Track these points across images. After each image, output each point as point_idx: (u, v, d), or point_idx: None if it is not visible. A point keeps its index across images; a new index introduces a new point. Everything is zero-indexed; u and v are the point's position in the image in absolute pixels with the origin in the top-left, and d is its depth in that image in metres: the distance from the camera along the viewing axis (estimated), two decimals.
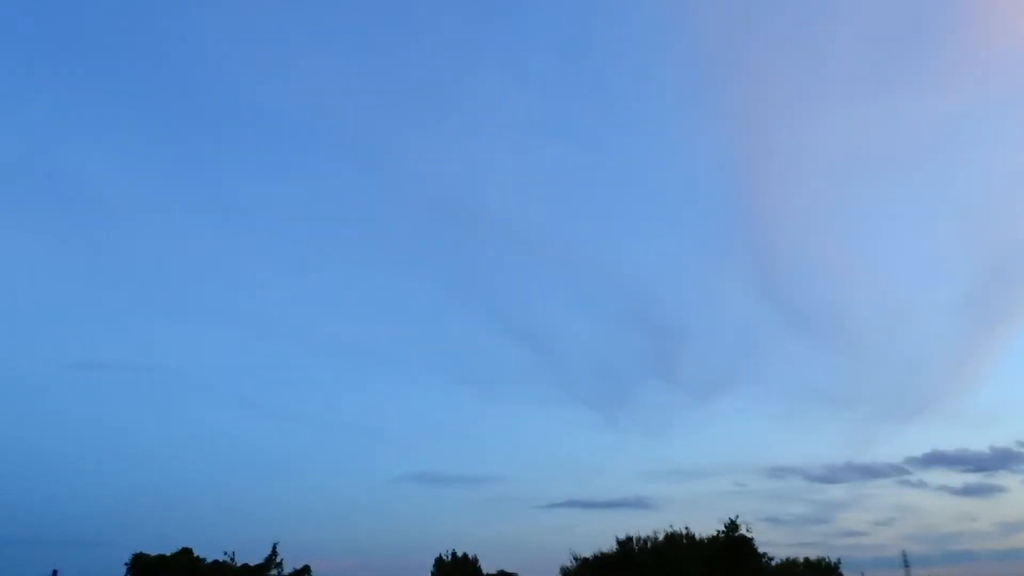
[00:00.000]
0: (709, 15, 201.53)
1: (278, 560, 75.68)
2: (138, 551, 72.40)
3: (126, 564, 71.65)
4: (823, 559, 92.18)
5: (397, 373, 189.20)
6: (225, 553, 74.89)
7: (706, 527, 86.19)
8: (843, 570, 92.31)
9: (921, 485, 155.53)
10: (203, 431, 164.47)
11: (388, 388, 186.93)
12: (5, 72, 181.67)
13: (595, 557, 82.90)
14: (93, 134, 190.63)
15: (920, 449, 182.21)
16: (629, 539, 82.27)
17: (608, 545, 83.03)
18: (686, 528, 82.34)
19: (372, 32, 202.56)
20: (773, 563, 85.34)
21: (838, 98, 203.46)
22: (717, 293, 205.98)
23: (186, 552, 73.34)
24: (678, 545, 79.88)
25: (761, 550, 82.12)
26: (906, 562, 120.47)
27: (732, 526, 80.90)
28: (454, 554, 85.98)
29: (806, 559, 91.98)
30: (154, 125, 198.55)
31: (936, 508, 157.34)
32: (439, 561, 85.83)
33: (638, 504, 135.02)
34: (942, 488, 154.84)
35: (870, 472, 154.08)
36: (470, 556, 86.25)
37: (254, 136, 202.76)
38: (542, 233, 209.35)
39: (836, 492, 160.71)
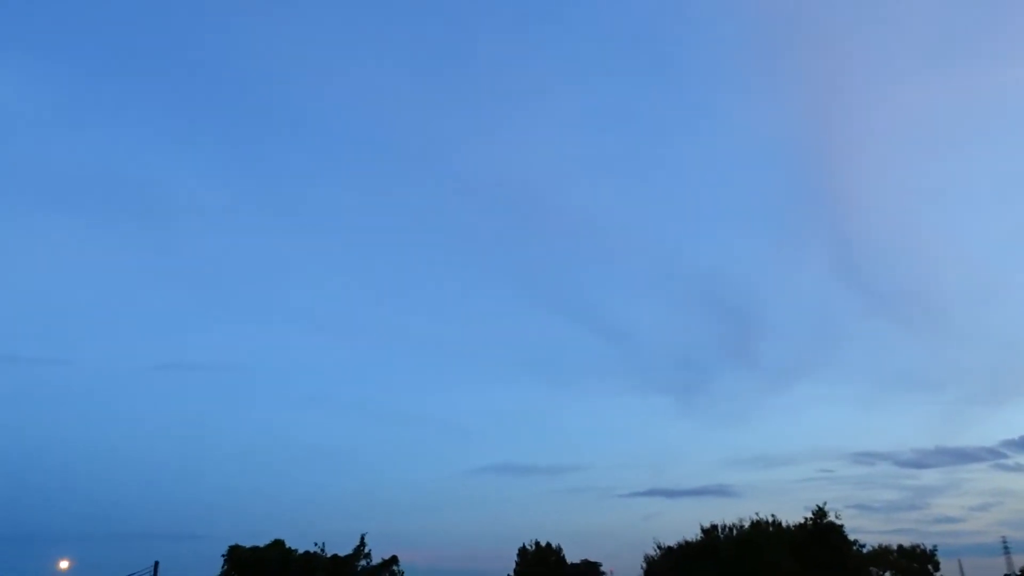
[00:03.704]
0: None
1: (366, 550, 77.28)
2: (233, 543, 74.84)
3: (223, 556, 74.10)
4: (917, 546, 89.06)
5: (474, 367, 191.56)
6: (315, 544, 76.98)
7: (792, 514, 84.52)
8: (939, 557, 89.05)
9: (1019, 468, 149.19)
10: (288, 428, 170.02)
11: (465, 382, 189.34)
12: (82, 87, 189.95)
13: (679, 546, 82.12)
14: (172, 147, 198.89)
15: (1016, 431, 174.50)
16: (714, 527, 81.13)
17: (692, 533, 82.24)
18: (772, 516, 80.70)
19: (429, 32, 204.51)
20: (864, 550, 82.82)
21: (910, 70, 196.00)
22: (793, 276, 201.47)
23: (278, 544, 75.39)
24: (764, 533, 78.24)
25: (851, 537, 79.97)
26: (1006, 548, 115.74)
27: (820, 513, 78.78)
28: (537, 544, 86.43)
29: (899, 546, 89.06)
30: (226, 135, 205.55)
31: None
32: (523, 551, 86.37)
33: (720, 492, 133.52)
34: None
35: (963, 456, 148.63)
36: (553, 546, 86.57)
37: (323, 142, 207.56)
38: (613, 223, 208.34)
39: (928, 477, 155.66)
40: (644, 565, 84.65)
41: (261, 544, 75.08)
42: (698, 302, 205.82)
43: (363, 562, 76.90)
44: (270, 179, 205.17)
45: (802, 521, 79.57)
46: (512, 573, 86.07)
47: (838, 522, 78.59)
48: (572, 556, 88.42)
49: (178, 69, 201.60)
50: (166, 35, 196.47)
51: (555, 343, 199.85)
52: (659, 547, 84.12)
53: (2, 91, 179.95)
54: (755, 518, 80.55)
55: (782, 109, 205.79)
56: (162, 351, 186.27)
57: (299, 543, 76.74)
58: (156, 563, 66.45)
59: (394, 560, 79.17)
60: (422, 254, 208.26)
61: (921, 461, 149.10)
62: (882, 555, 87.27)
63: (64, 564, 69.28)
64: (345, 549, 77.10)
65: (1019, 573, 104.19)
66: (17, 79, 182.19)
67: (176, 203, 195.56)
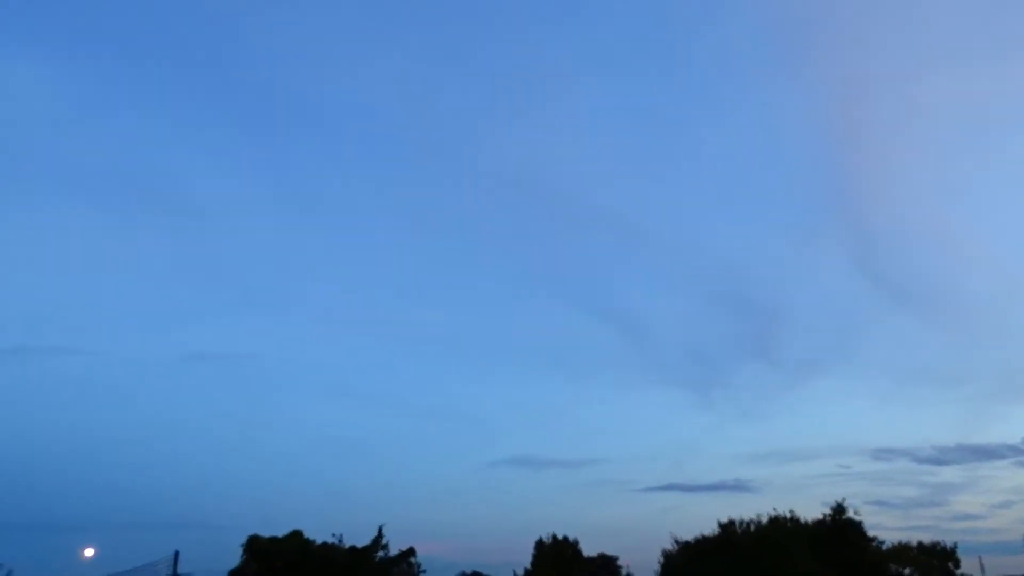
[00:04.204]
0: None
1: (384, 542, 77.53)
2: (253, 533, 75.23)
3: (242, 545, 74.58)
4: (938, 543, 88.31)
5: (492, 360, 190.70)
6: (333, 535, 77.21)
7: (810, 510, 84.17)
8: (960, 555, 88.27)
9: None
10: (309, 420, 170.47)
11: (483, 375, 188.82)
12: (103, 80, 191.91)
13: (696, 540, 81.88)
14: (195, 142, 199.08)
15: None
16: (731, 522, 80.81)
17: (709, 528, 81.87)
18: (790, 511, 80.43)
19: (448, 26, 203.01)
20: (884, 547, 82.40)
21: (937, 60, 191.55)
22: (813, 269, 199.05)
23: (297, 534, 75.84)
24: (782, 528, 78.01)
25: (870, 534, 79.58)
26: None
27: (839, 509, 78.60)
28: (554, 537, 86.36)
29: (919, 543, 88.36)
30: (249, 130, 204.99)
31: None
32: (539, 544, 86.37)
33: (738, 487, 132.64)
34: None
35: (985, 453, 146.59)
36: (570, 539, 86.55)
37: (344, 137, 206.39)
38: (633, 217, 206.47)
39: (948, 474, 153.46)
40: (661, 559, 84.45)
41: (280, 535, 75.56)
42: (717, 296, 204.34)
43: (381, 553, 77.24)
44: (293, 173, 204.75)
45: (820, 517, 79.39)
46: (529, 566, 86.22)
47: (857, 518, 78.39)
48: (589, 549, 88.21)
49: (199, 64, 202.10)
50: (188, 30, 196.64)
51: (573, 337, 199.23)
52: (676, 541, 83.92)
53: (27, 85, 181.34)
54: (773, 513, 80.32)
55: (804, 103, 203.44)
56: (185, 342, 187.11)
57: (317, 534, 77.15)
58: (176, 552, 67.41)
59: (411, 552, 79.53)
60: (441, 248, 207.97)
61: (941, 458, 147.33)
62: (902, 552, 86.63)
63: (89, 552, 70.56)
64: (363, 540, 77.51)
65: None
66: (41, 73, 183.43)
67: (200, 196, 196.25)
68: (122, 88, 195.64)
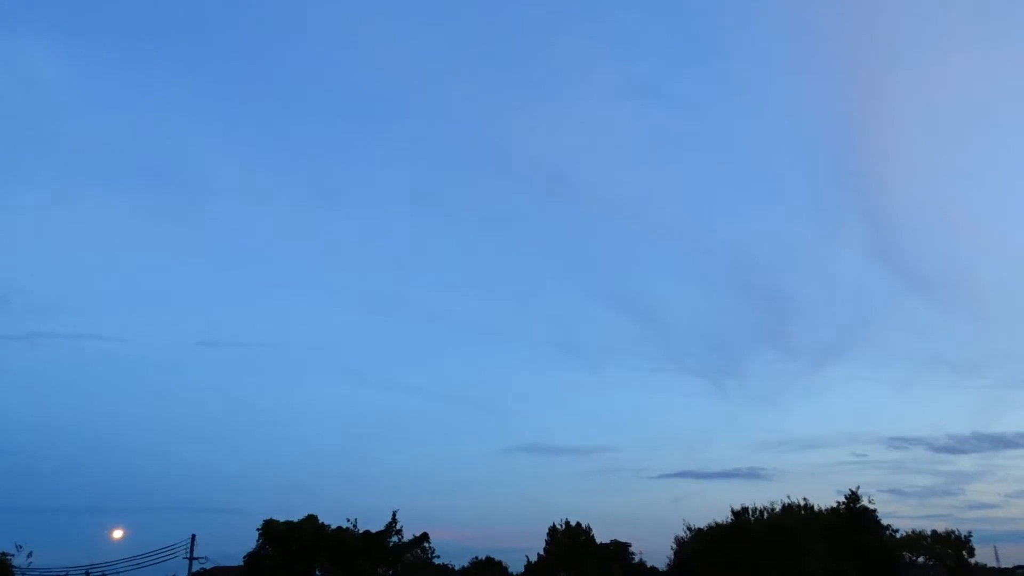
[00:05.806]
0: None
1: (398, 527, 78.01)
2: (268, 518, 75.83)
3: (258, 529, 75.31)
4: (952, 532, 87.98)
5: (504, 345, 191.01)
6: (348, 520, 77.70)
7: (824, 499, 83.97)
8: (974, 544, 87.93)
9: None
10: (321, 405, 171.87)
11: (496, 360, 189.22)
12: (121, 67, 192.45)
13: (709, 528, 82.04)
14: (214, 127, 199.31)
15: None
16: (744, 509, 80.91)
17: (723, 516, 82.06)
18: (804, 499, 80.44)
19: (468, 7, 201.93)
20: (898, 535, 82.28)
21: (954, 46, 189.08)
22: (829, 256, 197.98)
23: (312, 519, 76.38)
24: (795, 516, 78.01)
25: (884, 522, 79.51)
26: None
27: (853, 497, 78.50)
28: (567, 523, 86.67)
29: (934, 532, 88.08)
30: (256, 110, 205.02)
31: None
32: (552, 530, 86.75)
33: (751, 475, 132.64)
34: None
35: (1001, 442, 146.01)
36: (583, 526, 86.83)
37: (365, 122, 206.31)
38: (645, 200, 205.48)
39: (964, 463, 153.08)
40: (674, 547, 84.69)
41: (295, 519, 76.14)
42: (731, 283, 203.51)
43: (394, 538, 77.75)
44: (311, 157, 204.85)
45: (834, 505, 79.34)
46: (542, 552, 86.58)
47: (871, 507, 78.36)
48: (602, 536, 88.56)
49: (219, 50, 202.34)
50: (207, 15, 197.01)
51: (587, 323, 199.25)
52: (689, 529, 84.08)
53: (44, 72, 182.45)
54: (787, 501, 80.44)
55: (820, 86, 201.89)
56: (203, 328, 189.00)
57: (332, 519, 77.67)
58: (193, 536, 68.22)
59: (425, 537, 79.95)
60: (458, 235, 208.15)
61: (957, 447, 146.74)
62: (916, 540, 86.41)
63: (118, 533, 71.85)
64: (377, 525, 78.06)
65: None
66: (59, 60, 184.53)
67: (218, 182, 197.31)
68: (139, 75, 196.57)
